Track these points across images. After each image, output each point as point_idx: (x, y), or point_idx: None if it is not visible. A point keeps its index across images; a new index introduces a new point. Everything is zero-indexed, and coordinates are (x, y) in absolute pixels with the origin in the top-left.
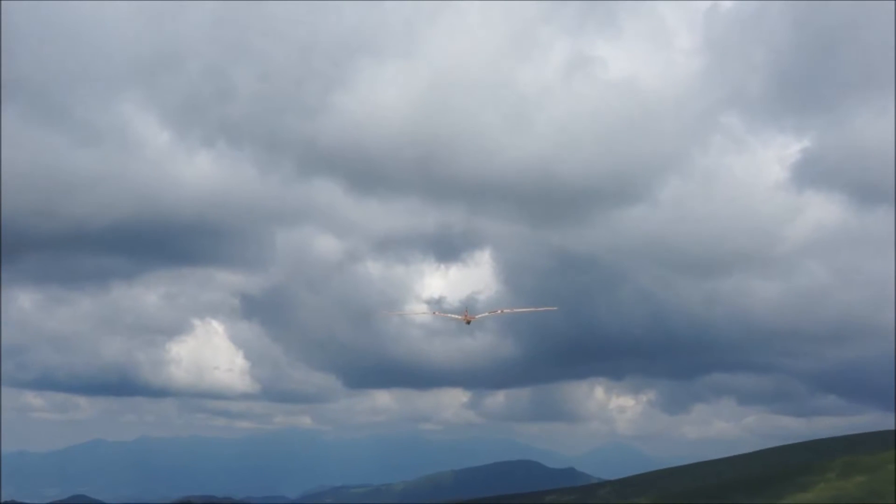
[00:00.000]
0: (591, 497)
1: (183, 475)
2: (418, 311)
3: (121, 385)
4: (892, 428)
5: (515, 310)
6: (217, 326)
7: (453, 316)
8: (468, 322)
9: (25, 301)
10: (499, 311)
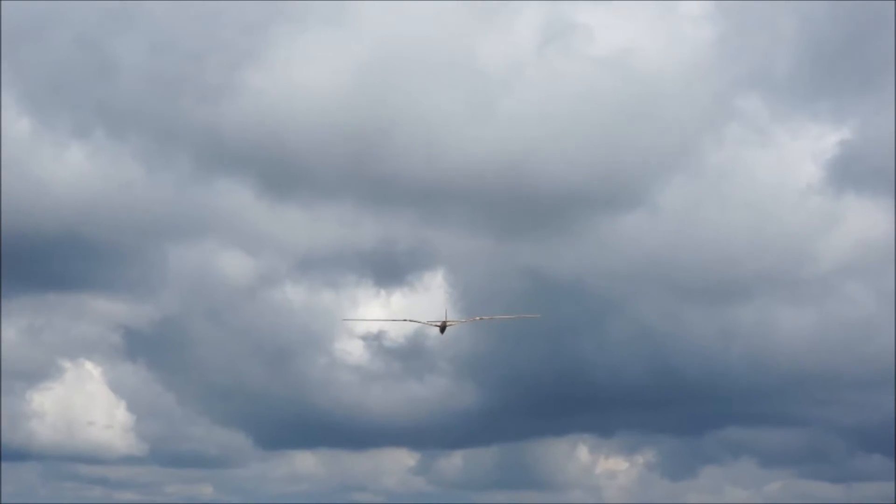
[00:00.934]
0: None
1: None
2: (384, 318)
3: None
4: None
5: (494, 317)
6: (93, 369)
7: (431, 322)
8: (443, 329)
9: None
10: (476, 318)
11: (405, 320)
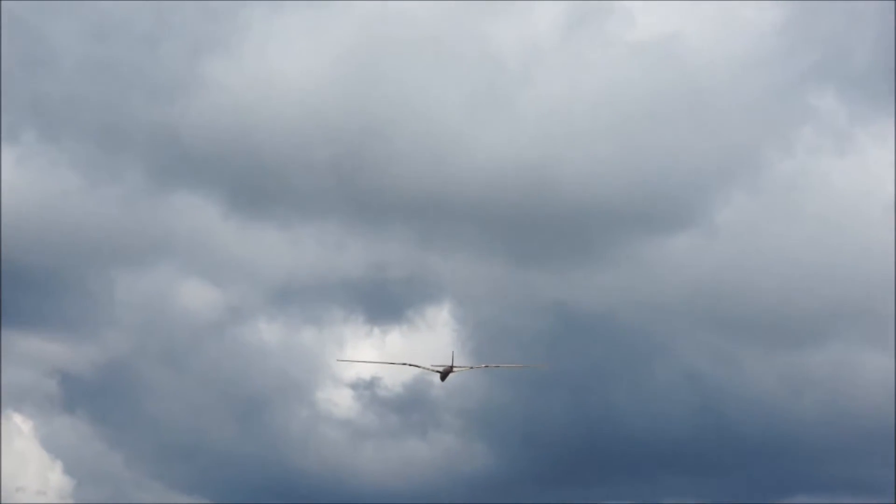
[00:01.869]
0: None
1: None
2: (379, 361)
3: None
4: None
5: (502, 365)
6: (22, 424)
7: (434, 368)
8: (444, 377)
9: None
10: (483, 366)
11: (403, 364)
